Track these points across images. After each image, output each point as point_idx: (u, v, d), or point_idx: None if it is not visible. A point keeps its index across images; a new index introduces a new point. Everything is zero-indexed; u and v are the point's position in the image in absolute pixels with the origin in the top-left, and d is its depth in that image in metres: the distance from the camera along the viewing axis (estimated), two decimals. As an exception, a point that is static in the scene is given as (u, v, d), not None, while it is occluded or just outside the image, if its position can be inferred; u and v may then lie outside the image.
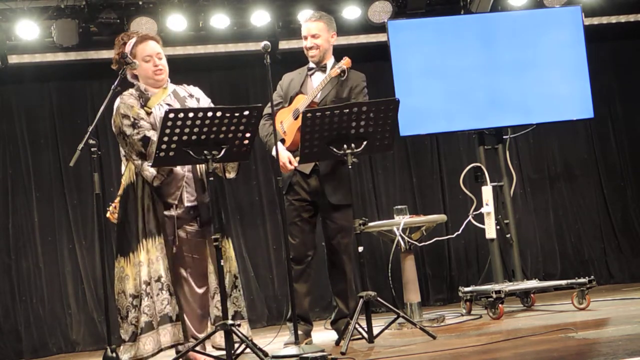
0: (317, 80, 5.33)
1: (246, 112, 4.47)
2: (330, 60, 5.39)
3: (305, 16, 5.50)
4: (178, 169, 4.55)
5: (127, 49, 4.70)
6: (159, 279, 4.46)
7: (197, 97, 4.80)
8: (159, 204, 4.52)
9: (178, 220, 4.59)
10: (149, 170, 4.47)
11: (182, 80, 7.73)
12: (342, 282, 5.30)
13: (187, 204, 4.59)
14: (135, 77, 4.73)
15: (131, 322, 4.44)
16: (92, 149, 4.37)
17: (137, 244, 4.48)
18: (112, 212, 4.64)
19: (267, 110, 5.08)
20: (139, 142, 4.48)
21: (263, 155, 7.51)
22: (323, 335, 5.55)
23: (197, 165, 4.61)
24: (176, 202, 4.58)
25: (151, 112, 4.61)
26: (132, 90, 4.68)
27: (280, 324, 5.39)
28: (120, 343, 4.45)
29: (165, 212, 4.55)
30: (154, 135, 4.43)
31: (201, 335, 4.58)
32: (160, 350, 4.45)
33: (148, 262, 4.47)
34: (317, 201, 5.24)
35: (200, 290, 4.66)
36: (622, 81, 8.17)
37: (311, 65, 5.40)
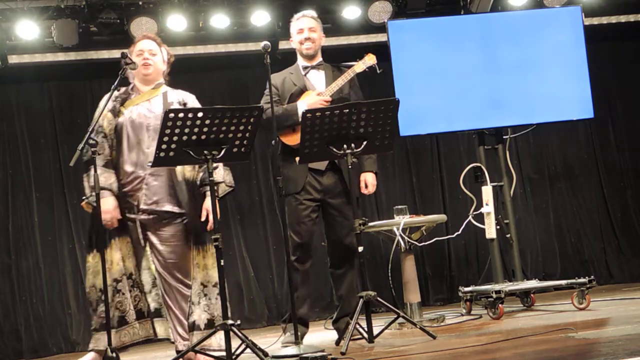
0: (314, 77, 5.33)
1: (246, 112, 4.48)
2: (321, 59, 5.41)
3: (298, 13, 5.52)
4: (139, 171, 4.61)
5: (130, 52, 4.84)
6: (130, 276, 4.59)
7: (187, 105, 4.83)
8: (124, 202, 4.62)
9: (143, 226, 4.63)
10: (86, 186, 4.61)
11: (182, 81, 7.74)
12: (349, 281, 5.32)
13: (142, 206, 4.62)
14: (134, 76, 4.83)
15: (100, 315, 4.52)
16: (92, 149, 4.37)
17: (110, 240, 4.58)
18: (88, 202, 4.67)
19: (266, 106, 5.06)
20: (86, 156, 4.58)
21: (263, 155, 7.51)
22: (323, 335, 5.55)
23: (181, 170, 4.60)
24: (135, 204, 4.63)
25: (122, 114, 4.68)
26: (122, 89, 4.78)
27: (282, 325, 5.38)
28: (91, 333, 4.58)
29: (129, 215, 4.62)
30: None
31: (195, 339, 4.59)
32: (135, 343, 4.58)
33: (120, 259, 4.57)
34: (328, 199, 5.23)
35: (187, 292, 4.68)
36: (622, 81, 8.17)
37: (304, 64, 5.37)
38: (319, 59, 5.42)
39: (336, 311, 5.35)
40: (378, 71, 5.39)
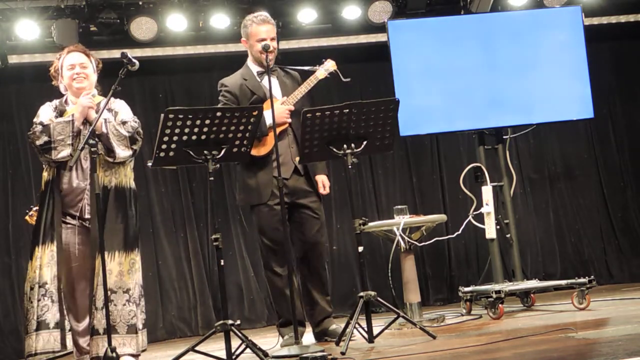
0: (272, 84, 5.13)
1: (246, 112, 4.48)
2: (272, 66, 5.26)
3: (257, 17, 5.33)
4: (81, 183, 4.55)
5: (59, 63, 4.76)
6: (43, 285, 4.50)
7: (115, 110, 4.68)
8: (58, 213, 4.55)
9: (79, 235, 4.60)
10: (63, 153, 4.50)
11: (182, 81, 7.74)
12: (324, 280, 5.33)
13: (87, 216, 4.57)
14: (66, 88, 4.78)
15: (29, 318, 4.51)
16: (92, 149, 4.36)
17: (34, 249, 4.55)
18: (31, 216, 4.69)
19: None
20: (40, 147, 4.52)
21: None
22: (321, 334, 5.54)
23: (95, 179, 4.50)
24: (77, 214, 4.58)
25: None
26: (54, 102, 4.73)
27: (279, 328, 5.39)
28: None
29: (70, 222, 4.58)
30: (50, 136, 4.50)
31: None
32: (35, 354, 4.46)
33: (38, 268, 4.51)
34: (296, 201, 5.21)
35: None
36: (622, 81, 8.17)
37: (258, 69, 5.23)
38: (272, 63, 5.25)
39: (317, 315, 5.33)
40: (343, 79, 5.26)
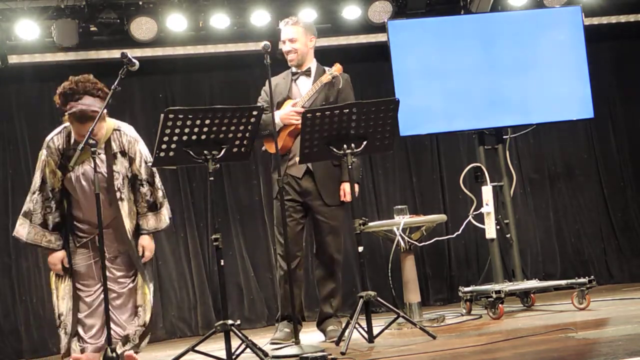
0: (302, 84, 5.38)
1: (246, 112, 4.48)
2: (312, 64, 5.42)
3: (282, 21, 5.55)
4: (94, 229, 4.56)
5: (63, 103, 4.55)
6: (59, 317, 4.64)
7: (130, 155, 4.64)
8: (75, 247, 4.66)
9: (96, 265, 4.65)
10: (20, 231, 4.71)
11: (182, 81, 7.71)
12: (332, 283, 5.36)
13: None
14: None
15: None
16: (92, 149, 4.36)
17: (52, 277, 4.73)
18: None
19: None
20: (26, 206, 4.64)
21: (263, 154, 7.50)
22: (322, 334, 5.55)
23: (123, 219, 4.58)
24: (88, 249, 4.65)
25: (72, 170, 4.59)
26: (60, 138, 4.64)
27: (276, 325, 5.41)
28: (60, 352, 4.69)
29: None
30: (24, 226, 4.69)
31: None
32: None
33: (56, 298, 4.68)
34: (308, 202, 5.31)
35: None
36: (622, 81, 8.16)
37: (294, 70, 5.43)
38: (309, 64, 5.42)
39: (318, 313, 5.43)
40: (340, 85, 5.32)
